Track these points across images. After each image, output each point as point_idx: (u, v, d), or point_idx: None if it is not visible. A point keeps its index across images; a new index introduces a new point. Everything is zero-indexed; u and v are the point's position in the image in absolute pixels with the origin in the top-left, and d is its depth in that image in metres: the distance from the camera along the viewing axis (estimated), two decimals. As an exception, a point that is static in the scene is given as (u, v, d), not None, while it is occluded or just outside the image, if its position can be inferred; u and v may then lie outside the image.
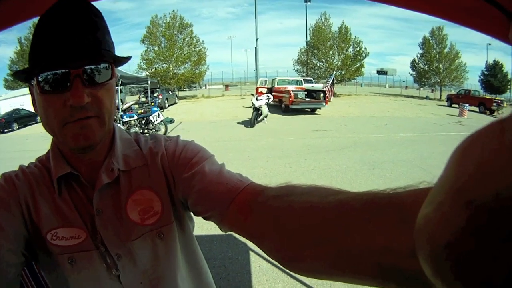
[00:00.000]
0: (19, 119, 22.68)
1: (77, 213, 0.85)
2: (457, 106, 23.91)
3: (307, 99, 21.04)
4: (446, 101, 29.50)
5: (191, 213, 0.96)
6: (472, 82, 41.41)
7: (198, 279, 1.02)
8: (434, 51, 41.00)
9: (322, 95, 20.84)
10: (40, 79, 0.75)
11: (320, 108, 21.52)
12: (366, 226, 0.43)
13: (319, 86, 25.44)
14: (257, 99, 15.99)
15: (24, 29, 36.97)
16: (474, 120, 18.62)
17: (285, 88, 22.68)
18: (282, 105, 21.42)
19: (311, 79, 30.75)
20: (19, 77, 0.82)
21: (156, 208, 0.89)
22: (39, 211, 0.84)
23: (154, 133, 1.29)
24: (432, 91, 42.18)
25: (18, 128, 21.72)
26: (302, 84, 24.67)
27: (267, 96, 16.74)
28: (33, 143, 14.97)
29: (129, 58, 0.90)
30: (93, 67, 0.76)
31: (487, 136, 0.20)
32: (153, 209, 0.89)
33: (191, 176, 0.85)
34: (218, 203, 0.78)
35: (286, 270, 3.37)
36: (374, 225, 0.42)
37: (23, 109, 24.09)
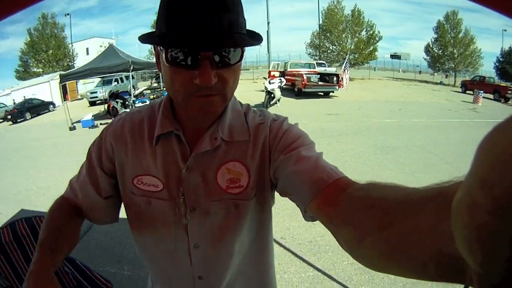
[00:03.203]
0: (32, 108, 23.03)
1: (162, 166, 0.95)
2: (471, 92, 23.59)
3: (320, 83, 20.88)
4: (461, 87, 28.98)
5: (276, 193, 1.01)
6: (487, 69, 40.35)
7: (258, 260, 1.13)
8: (449, 35, 40.08)
9: (335, 78, 20.71)
10: (168, 51, 0.77)
11: (333, 92, 21.38)
12: (421, 213, 0.44)
13: (332, 69, 25.22)
14: (269, 83, 15.97)
15: (33, 20, 36.72)
16: (489, 108, 18.40)
17: (298, 71, 22.54)
18: (295, 89, 21.29)
19: (324, 62, 30.51)
20: (145, 41, 0.84)
21: (243, 183, 0.94)
22: (134, 158, 0.98)
23: (264, 111, 1.25)
24: (446, 76, 41.25)
25: (31, 118, 22.08)
26: (315, 68, 24.48)
27: (280, 79, 16.68)
28: (46, 131, 15.28)
29: (260, 41, 0.88)
30: (223, 50, 0.78)
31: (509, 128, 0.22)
32: (239, 182, 0.94)
33: (287, 158, 0.87)
34: (307, 189, 0.78)
35: (298, 254, 3.54)
36: (427, 213, 0.43)
37: (35, 99, 24.39)
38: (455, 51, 39.81)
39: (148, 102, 13.23)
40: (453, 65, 39.94)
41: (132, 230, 1.08)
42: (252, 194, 0.96)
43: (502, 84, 26.12)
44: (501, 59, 39.74)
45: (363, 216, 0.58)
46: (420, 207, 0.45)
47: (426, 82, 37.48)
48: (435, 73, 43.24)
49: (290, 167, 0.85)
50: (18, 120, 21.39)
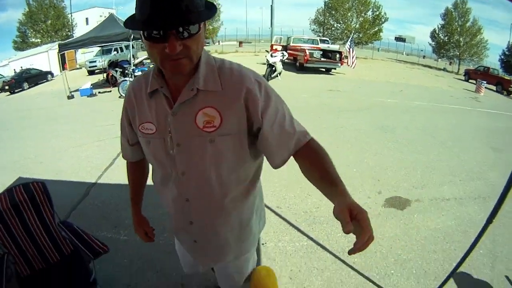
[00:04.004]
0: (30, 78, 22.93)
1: (155, 114, 1.30)
2: (474, 82, 23.25)
3: (322, 59, 20.52)
4: (464, 76, 28.67)
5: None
6: (492, 60, 39.91)
7: (239, 198, 1.44)
8: (456, 23, 39.44)
9: (338, 55, 20.43)
10: (145, 33, 1.06)
11: (335, 69, 21.20)
12: (320, 184, 1.16)
13: (335, 46, 24.87)
14: (271, 56, 15.88)
15: None
16: (490, 99, 18.10)
17: (301, 46, 22.23)
18: (297, 64, 21.06)
19: (328, 39, 30.05)
20: (128, 27, 1.10)
21: (216, 123, 1.22)
22: (138, 111, 1.35)
23: (242, 68, 1.30)
24: (450, 63, 40.88)
25: (29, 87, 22.01)
26: (318, 44, 24.14)
27: (282, 53, 16.51)
28: (44, 101, 15.24)
29: (214, 13, 1.14)
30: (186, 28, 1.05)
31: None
32: (213, 123, 1.22)
33: (265, 123, 1.23)
34: (285, 151, 1.26)
35: (293, 224, 4.09)
36: (325, 186, 1.14)
37: (33, 69, 24.34)
38: (461, 39, 39.27)
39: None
40: (458, 53, 39.51)
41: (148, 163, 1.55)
42: (225, 133, 1.24)
43: (505, 77, 25.63)
44: (506, 53, 39.26)
45: (307, 171, 1.23)
46: (325, 183, 1.14)
47: (430, 67, 37.16)
48: (439, 59, 42.82)
49: (269, 133, 1.24)
50: (16, 90, 21.15)
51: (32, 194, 2.66)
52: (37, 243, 2.64)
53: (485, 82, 20.72)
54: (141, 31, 1.07)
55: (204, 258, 1.64)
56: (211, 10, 1.12)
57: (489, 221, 2.19)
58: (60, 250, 2.71)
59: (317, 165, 1.20)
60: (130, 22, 1.09)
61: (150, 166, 1.59)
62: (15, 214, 2.57)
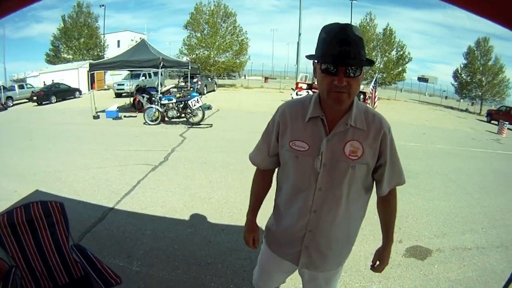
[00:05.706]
0: (58, 92, 23.66)
1: (310, 136, 1.62)
2: (496, 123, 23.23)
3: (347, 99, 20.71)
4: (486, 117, 28.81)
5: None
6: (514, 100, 39.66)
7: (356, 213, 1.79)
8: (478, 62, 39.57)
9: (362, 96, 20.77)
10: (323, 66, 1.44)
11: (358, 110, 21.15)
12: (382, 225, 1.94)
13: (359, 87, 25.21)
14: (297, 94, 16.18)
15: (68, 8, 37.73)
16: (513, 140, 17.86)
17: (325, 86, 22.54)
18: (321, 103, 21.18)
19: (351, 79, 30.29)
20: (309, 57, 1.52)
21: (358, 154, 1.59)
22: (291, 130, 1.67)
23: (380, 115, 1.69)
24: (472, 104, 40.71)
25: (56, 102, 22.67)
26: (342, 84, 24.42)
27: (307, 92, 16.78)
28: (70, 117, 15.61)
29: (371, 64, 1.53)
30: (352, 68, 1.42)
31: None
32: (356, 153, 1.59)
33: (387, 162, 1.66)
34: (386, 186, 1.73)
35: None
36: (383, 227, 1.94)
37: (62, 84, 25.00)
38: (483, 78, 39.26)
39: (174, 100, 13.83)
40: (480, 93, 39.42)
41: (280, 175, 1.87)
42: (363, 162, 1.60)
43: (529, 117, 25.46)
44: (530, 91, 38.87)
45: (381, 209, 1.90)
46: (384, 229, 1.93)
47: (452, 108, 37.03)
48: (462, 100, 42.60)
49: (387, 170, 1.68)
50: (43, 103, 21.89)
51: (49, 213, 2.71)
52: (47, 262, 2.66)
53: (507, 123, 20.64)
54: (319, 66, 1.46)
55: (306, 262, 1.84)
56: (370, 62, 1.49)
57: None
58: (70, 272, 2.73)
59: (387, 213, 1.88)
60: (312, 56, 1.50)
61: (274, 180, 1.99)
62: (29, 229, 2.61)
